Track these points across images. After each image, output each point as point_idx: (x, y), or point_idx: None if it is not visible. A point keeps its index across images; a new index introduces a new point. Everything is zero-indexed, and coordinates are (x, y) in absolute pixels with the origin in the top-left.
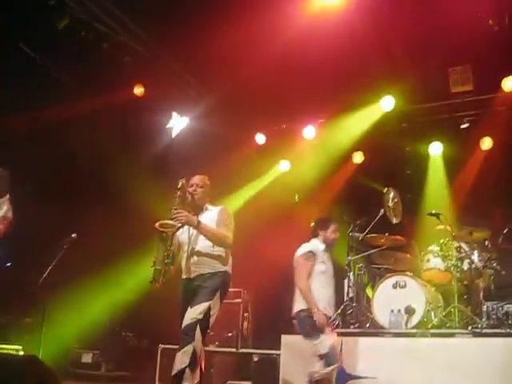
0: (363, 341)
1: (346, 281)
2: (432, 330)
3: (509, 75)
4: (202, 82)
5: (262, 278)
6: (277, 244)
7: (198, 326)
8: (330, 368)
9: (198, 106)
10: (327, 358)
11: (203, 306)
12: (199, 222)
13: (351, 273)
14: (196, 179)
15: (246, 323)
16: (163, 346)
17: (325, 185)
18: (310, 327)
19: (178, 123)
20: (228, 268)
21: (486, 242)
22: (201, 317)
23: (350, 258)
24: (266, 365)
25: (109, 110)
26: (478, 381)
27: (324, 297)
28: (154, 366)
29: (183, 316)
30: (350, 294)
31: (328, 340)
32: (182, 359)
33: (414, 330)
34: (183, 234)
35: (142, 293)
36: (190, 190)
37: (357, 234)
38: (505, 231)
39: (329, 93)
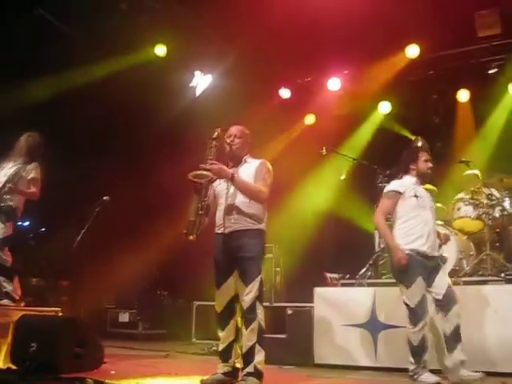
0: (396, 290)
1: (376, 231)
2: (464, 278)
3: None
4: (223, 38)
5: (291, 231)
6: (305, 197)
7: (258, 302)
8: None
9: (221, 62)
10: (413, 314)
11: (257, 282)
12: (233, 175)
13: None
14: (234, 129)
15: (278, 277)
16: (198, 302)
17: (352, 136)
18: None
19: (201, 81)
20: (264, 226)
21: None
22: (258, 293)
23: None
24: (300, 317)
25: (131, 71)
26: (509, 325)
27: (420, 233)
28: (190, 323)
29: (220, 273)
30: (382, 245)
31: (418, 292)
32: (249, 337)
33: None
34: (220, 185)
35: (174, 252)
36: (228, 140)
37: (386, 184)
38: None
39: (353, 43)
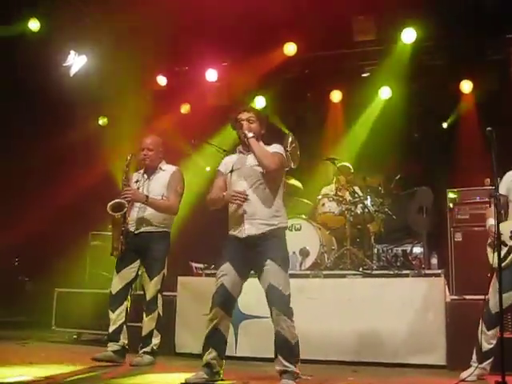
0: (258, 281)
1: None
2: (325, 272)
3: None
4: (101, 19)
5: None
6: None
7: (159, 294)
8: None
9: (97, 44)
10: None
11: (160, 277)
12: (147, 197)
13: None
14: (147, 142)
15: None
16: (59, 289)
17: (226, 128)
18: None
19: (76, 62)
20: (169, 228)
21: (380, 188)
22: (160, 286)
23: None
24: (163, 306)
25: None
26: (363, 317)
27: None
28: (51, 311)
29: (124, 262)
30: None
31: None
32: (149, 324)
33: (308, 272)
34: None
35: (36, 236)
36: (142, 153)
37: None
38: (397, 177)
39: (232, 36)
